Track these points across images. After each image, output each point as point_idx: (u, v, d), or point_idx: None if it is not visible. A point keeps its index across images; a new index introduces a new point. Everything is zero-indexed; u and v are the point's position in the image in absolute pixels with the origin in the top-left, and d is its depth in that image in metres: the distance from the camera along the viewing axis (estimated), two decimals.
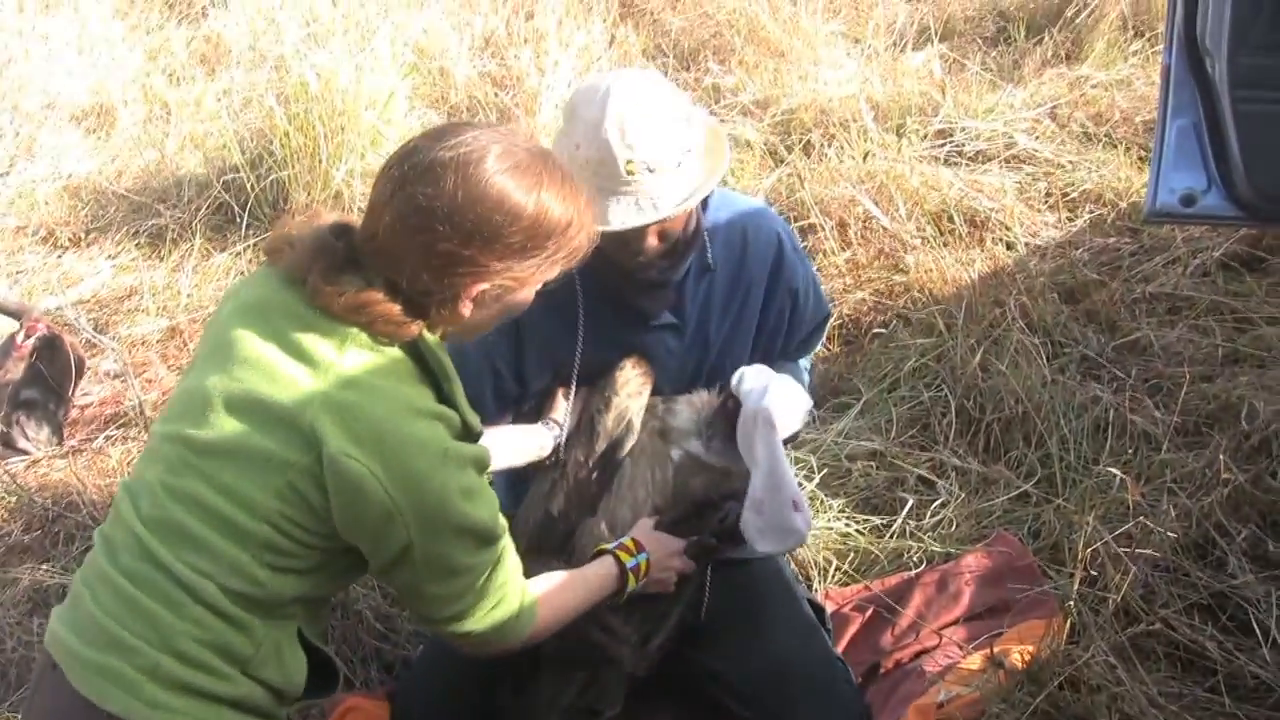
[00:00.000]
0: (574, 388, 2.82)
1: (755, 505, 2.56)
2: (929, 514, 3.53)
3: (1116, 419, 3.73)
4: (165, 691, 2.03)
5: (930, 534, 3.45)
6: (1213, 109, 3.17)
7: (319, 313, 2.09)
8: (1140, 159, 5.11)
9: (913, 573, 3.34)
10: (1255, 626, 3.04)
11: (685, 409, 2.77)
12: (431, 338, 2.14)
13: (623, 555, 2.54)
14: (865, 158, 5.05)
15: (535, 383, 2.85)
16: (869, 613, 3.25)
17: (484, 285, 2.12)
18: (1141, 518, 3.25)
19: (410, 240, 2.06)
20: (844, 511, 3.56)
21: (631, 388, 2.76)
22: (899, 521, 3.50)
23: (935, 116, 5.42)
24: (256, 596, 2.07)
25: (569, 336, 2.79)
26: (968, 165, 5.15)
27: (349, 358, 2.06)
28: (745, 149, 5.46)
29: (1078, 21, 6.46)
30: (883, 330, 4.23)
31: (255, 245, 5.21)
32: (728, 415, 2.68)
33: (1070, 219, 4.84)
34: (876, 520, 3.53)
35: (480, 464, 2.16)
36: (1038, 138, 5.32)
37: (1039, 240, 4.70)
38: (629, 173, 2.48)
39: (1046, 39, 6.38)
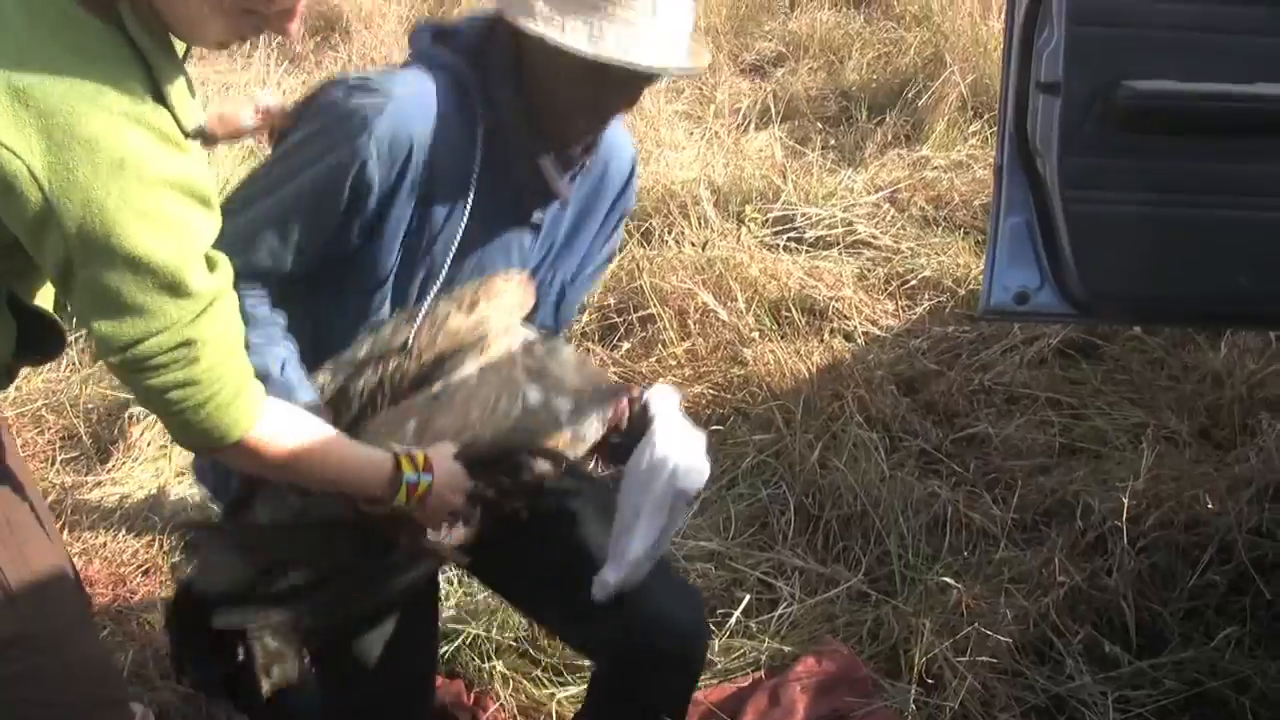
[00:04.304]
0: (442, 277, 2.37)
1: (629, 564, 2.34)
2: (769, 616, 3.46)
3: (954, 515, 3.72)
4: None
5: (772, 638, 3.39)
6: (1045, 207, 3.19)
7: None
8: (978, 244, 5.15)
9: (745, 682, 3.28)
10: None
11: (571, 363, 2.43)
12: (137, 15, 1.77)
13: (406, 465, 2.16)
14: (705, 246, 5.02)
15: (388, 253, 2.34)
16: None
17: None
18: (977, 624, 3.24)
19: None
20: None
21: (505, 301, 2.39)
22: (732, 621, 3.44)
23: (776, 202, 5.41)
24: None
25: (448, 209, 2.34)
26: (808, 252, 5.14)
27: (40, 26, 1.72)
28: None
29: (919, 103, 6.52)
30: (720, 426, 4.19)
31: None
32: (618, 412, 2.42)
33: (909, 307, 4.86)
34: (714, 626, 3.45)
35: (185, 188, 1.78)
36: (877, 223, 5.33)
37: (878, 329, 4.70)
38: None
39: (887, 119, 6.43)
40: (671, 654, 2.56)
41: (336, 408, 2.30)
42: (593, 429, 2.38)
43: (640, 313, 4.66)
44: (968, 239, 5.25)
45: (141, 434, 4.29)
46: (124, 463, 4.21)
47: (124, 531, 3.86)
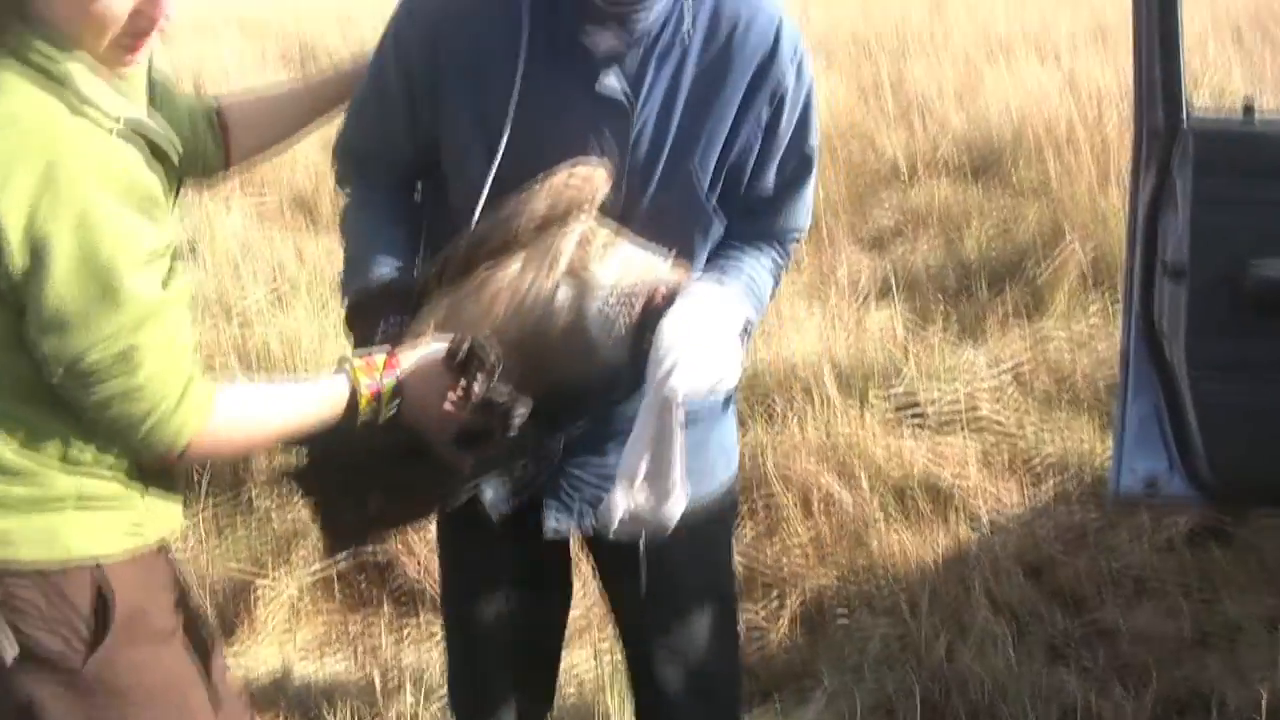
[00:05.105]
0: (497, 159, 2.25)
1: (627, 488, 2.10)
2: None
3: (1085, 707, 3.64)
4: None
5: None
6: (1172, 391, 3.16)
7: None
8: (1103, 423, 5.08)
9: None
10: None
11: (626, 263, 2.23)
12: (42, 44, 1.80)
13: (359, 373, 2.08)
14: (827, 426, 5.00)
15: (463, 137, 2.31)
16: None
17: None
18: None
19: None
20: None
21: (563, 191, 2.21)
22: None
23: (898, 379, 5.39)
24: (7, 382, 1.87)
25: (499, 84, 2.24)
26: (930, 432, 5.11)
27: None
28: None
29: (1038, 277, 6.50)
30: (846, 613, 4.14)
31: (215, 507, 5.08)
32: (646, 308, 2.19)
33: (1034, 490, 4.79)
34: None
35: (119, 185, 1.81)
36: (1001, 402, 5.29)
37: (1002, 514, 4.64)
38: None
39: (1007, 292, 6.41)
40: None
41: (405, 294, 2.29)
42: (617, 326, 2.20)
43: (765, 496, 4.64)
44: (1092, 419, 5.18)
45: (267, 612, 4.32)
46: (249, 643, 4.24)
47: None
